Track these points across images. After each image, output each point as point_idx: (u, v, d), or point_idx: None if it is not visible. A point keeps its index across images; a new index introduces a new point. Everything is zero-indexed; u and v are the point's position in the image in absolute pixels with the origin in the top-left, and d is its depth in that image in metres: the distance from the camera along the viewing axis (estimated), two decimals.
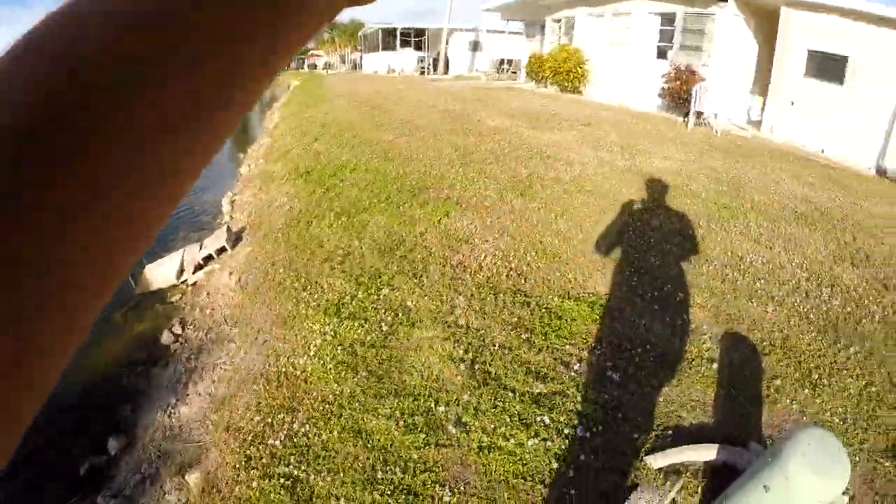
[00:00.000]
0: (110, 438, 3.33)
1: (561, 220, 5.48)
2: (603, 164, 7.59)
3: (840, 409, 2.97)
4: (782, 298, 4.12)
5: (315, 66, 28.73)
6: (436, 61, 25.43)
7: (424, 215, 5.63)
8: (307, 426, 2.94)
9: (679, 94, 11.73)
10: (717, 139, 9.90)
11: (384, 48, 27.76)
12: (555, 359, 3.36)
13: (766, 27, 11.01)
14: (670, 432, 2.78)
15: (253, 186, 8.13)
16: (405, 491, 2.52)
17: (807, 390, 3.11)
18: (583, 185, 6.58)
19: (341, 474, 2.62)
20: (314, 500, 2.52)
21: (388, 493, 2.51)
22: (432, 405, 3.01)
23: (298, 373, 3.40)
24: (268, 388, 3.29)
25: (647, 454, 2.62)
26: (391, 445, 2.76)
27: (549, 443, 2.72)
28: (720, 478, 2.41)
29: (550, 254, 4.74)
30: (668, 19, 12.68)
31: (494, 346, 3.50)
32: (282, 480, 2.63)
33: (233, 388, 3.43)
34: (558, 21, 17.01)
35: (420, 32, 27.92)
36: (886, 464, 2.61)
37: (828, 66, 9.60)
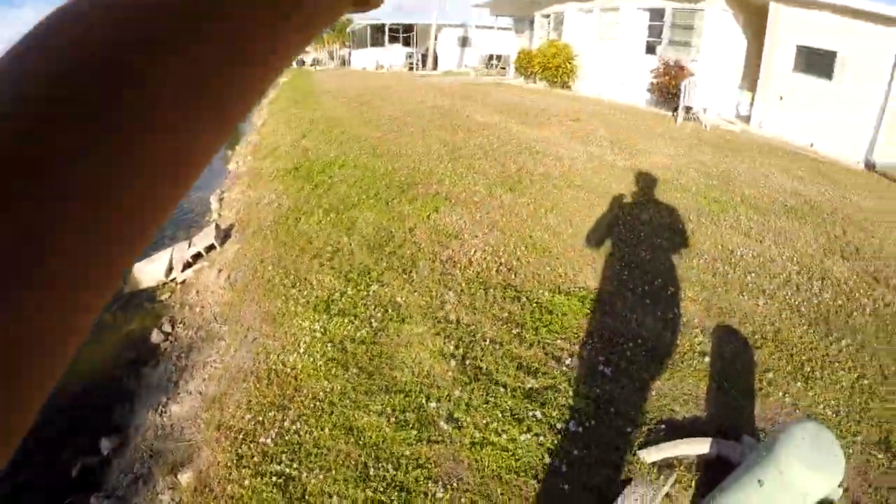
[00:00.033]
0: (103, 438, 3.27)
1: (550, 215, 5.47)
2: (592, 159, 7.59)
3: (833, 402, 2.99)
4: (773, 292, 4.14)
5: (303, 63, 28.48)
6: (424, 57, 25.33)
7: (413, 211, 5.60)
8: (298, 424, 2.90)
9: (668, 90, 11.77)
10: (706, 134, 9.94)
11: (373, 44, 27.52)
12: (546, 353, 3.35)
13: (755, 22, 11.08)
14: (663, 426, 2.77)
15: (241, 184, 8.03)
16: (397, 487, 2.50)
17: (799, 383, 3.12)
18: (572, 180, 6.58)
19: (333, 471, 2.59)
20: (306, 497, 2.49)
21: (381, 489, 2.49)
22: (423, 401, 2.98)
23: (289, 370, 3.36)
24: (258, 385, 3.25)
25: (640, 448, 2.61)
26: (383, 442, 2.74)
27: (541, 438, 2.70)
28: (714, 472, 2.41)
29: (540, 248, 4.73)
30: (657, 14, 12.72)
31: (485, 341, 3.48)
32: (274, 478, 2.59)
33: (223, 386, 3.39)
34: (547, 16, 17.05)
35: (409, 28, 27.74)
36: (879, 456, 2.62)
37: (816, 62, 9.68)
